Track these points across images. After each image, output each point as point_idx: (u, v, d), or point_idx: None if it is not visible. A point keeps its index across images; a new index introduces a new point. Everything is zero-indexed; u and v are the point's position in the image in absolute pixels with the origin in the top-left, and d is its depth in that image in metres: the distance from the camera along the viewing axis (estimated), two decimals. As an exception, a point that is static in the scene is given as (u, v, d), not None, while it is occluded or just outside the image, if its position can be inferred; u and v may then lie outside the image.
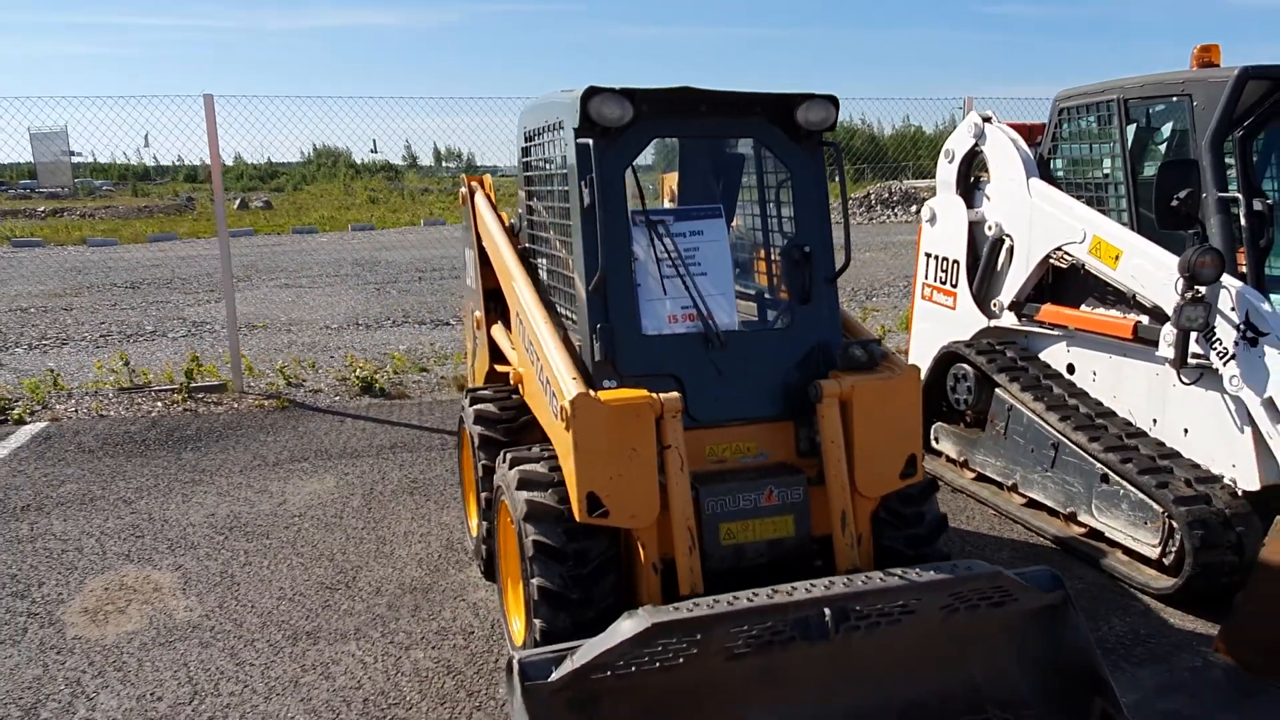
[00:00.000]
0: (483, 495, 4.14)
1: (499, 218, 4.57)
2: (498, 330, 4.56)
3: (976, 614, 3.04)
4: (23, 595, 4.43)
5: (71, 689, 3.62)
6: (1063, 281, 5.30)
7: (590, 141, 3.27)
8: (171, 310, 12.76)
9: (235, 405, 7.63)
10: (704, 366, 3.42)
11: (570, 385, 3.14)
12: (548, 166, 3.94)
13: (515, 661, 2.70)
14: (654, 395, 3.14)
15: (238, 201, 31.69)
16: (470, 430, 4.30)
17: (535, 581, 3.14)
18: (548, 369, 3.35)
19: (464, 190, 5.02)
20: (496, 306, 4.64)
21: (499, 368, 4.55)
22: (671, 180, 4.98)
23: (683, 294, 3.47)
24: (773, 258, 4.02)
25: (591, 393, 3.10)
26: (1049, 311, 5.24)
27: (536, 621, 3.15)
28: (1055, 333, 5.28)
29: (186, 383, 7.78)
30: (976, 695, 3.19)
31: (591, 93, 3.24)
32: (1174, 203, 4.21)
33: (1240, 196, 4.26)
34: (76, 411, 7.49)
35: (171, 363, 8.73)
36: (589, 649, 2.65)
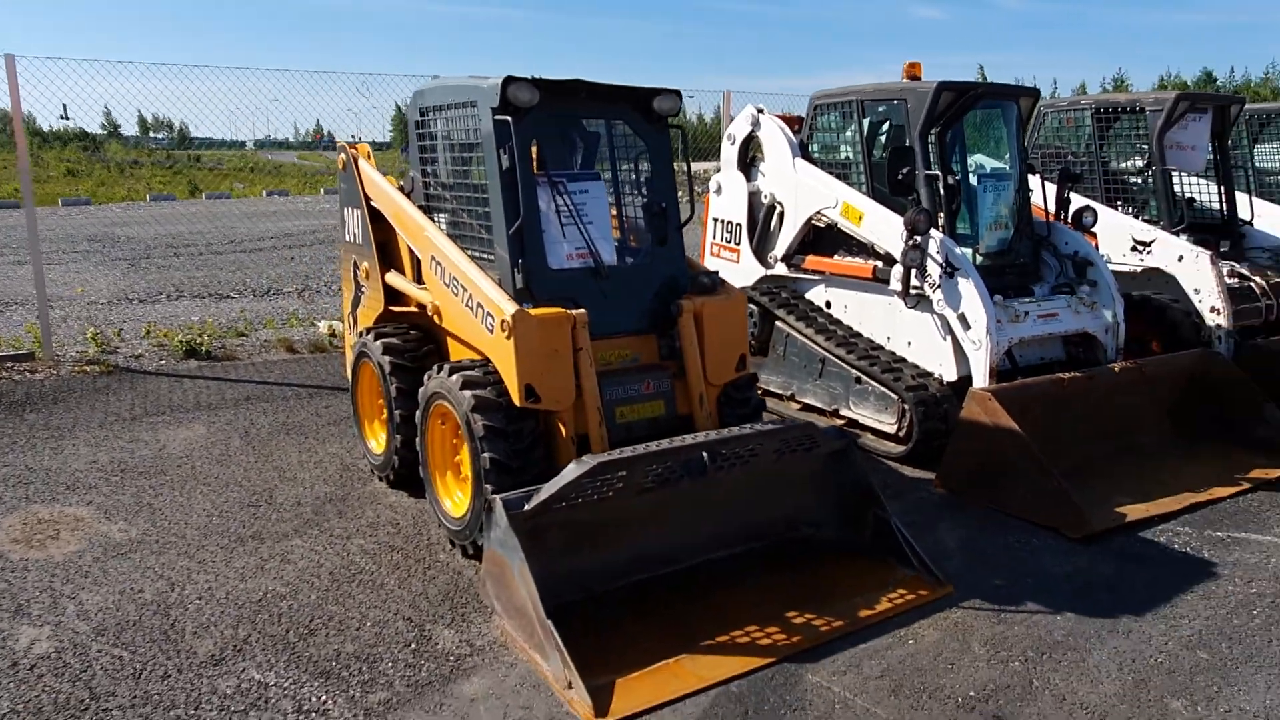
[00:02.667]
0: (397, 413, 4.97)
1: (389, 181, 5.35)
2: (393, 277, 5.34)
3: (794, 457, 4.40)
4: (-64, 536, 4.62)
5: (48, 593, 4.05)
6: (820, 238, 6.91)
7: (509, 119, 4.25)
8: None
9: (55, 372, 7.57)
10: (593, 292, 4.51)
11: (507, 305, 4.12)
12: (451, 138, 4.82)
13: (498, 500, 3.69)
14: (568, 311, 4.21)
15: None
16: (379, 360, 5.08)
17: (486, 455, 4.10)
18: (479, 295, 4.30)
19: (342, 157, 5.70)
20: (387, 257, 5.42)
21: (394, 309, 5.35)
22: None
23: (576, 238, 4.55)
24: (634, 213, 5.15)
25: (525, 309, 4.10)
26: (812, 261, 6.84)
27: (487, 486, 4.11)
28: (816, 277, 6.89)
29: (-10, 353, 7.59)
30: (792, 518, 4.59)
31: (510, 80, 4.22)
32: (899, 177, 5.87)
33: (939, 174, 6.02)
34: None
35: (-45, 336, 8.33)
36: (551, 485, 3.68)
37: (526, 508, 3.69)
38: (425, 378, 4.62)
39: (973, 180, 6.37)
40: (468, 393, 4.21)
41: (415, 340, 5.17)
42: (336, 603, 4.02)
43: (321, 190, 38.41)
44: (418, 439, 4.74)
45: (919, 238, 5.74)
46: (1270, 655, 3.70)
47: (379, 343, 5.13)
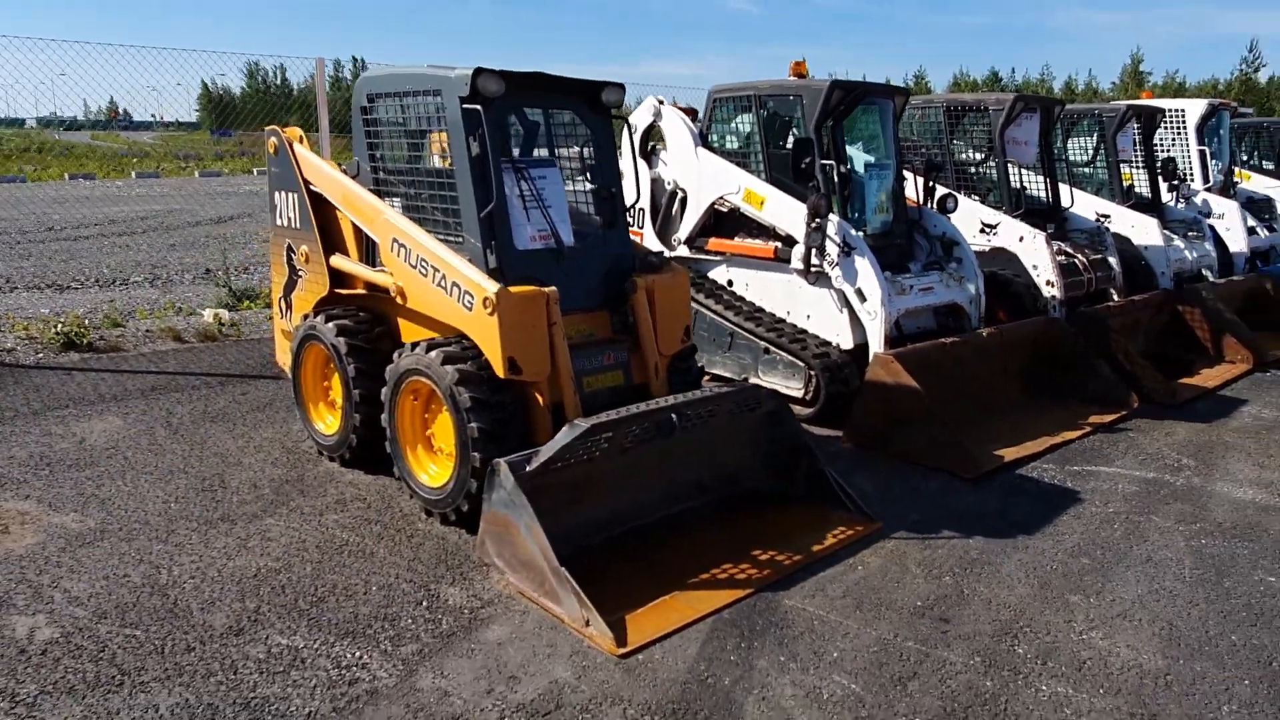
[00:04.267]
0: (356, 392, 5.11)
1: (334, 165, 5.43)
2: (339, 259, 5.43)
3: (739, 418, 4.92)
4: None
5: (26, 584, 3.98)
6: (721, 221, 7.48)
7: (479, 107, 4.51)
8: None
9: (-83, 369, 7.01)
10: (554, 272, 4.85)
11: (488, 283, 4.40)
12: (407, 125, 5.00)
13: (502, 463, 3.99)
14: (542, 288, 4.53)
15: None
16: (333, 343, 5.19)
17: (473, 425, 4.36)
18: (455, 275, 4.54)
19: (273, 140, 5.69)
20: (329, 240, 5.49)
21: (341, 291, 5.45)
22: (440, 138, 6.14)
23: (539, 220, 4.86)
24: (584, 196, 5.47)
25: (506, 287, 4.39)
26: (714, 243, 7.41)
27: (475, 454, 4.37)
28: (718, 258, 7.46)
29: None
30: (736, 473, 5.11)
31: (480, 72, 4.47)
32: (802, 166, 6.51)
33: (833, 163, 6.71)
34: None
35: None
36: (549, 447, 4.03)
37: (528, 469, 4.01)
38: (395, 356, 4.80)
39: (859, 170, 7.12)
40: (450, 367, 4.45)
41: (367, 322, 5.31)
42: (334, 572, 4.19)
43: (133, 174, 35.74)
44: (385, 416, 4.91)
45: (820, 220, 6.41)
46: (1134, 556, 4.58)
47: (331, 325, 5.23)
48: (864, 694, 3.40)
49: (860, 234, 6.66)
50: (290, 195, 5.63)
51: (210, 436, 5.90)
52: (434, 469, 4.79)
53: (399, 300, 4.97)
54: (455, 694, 3.33)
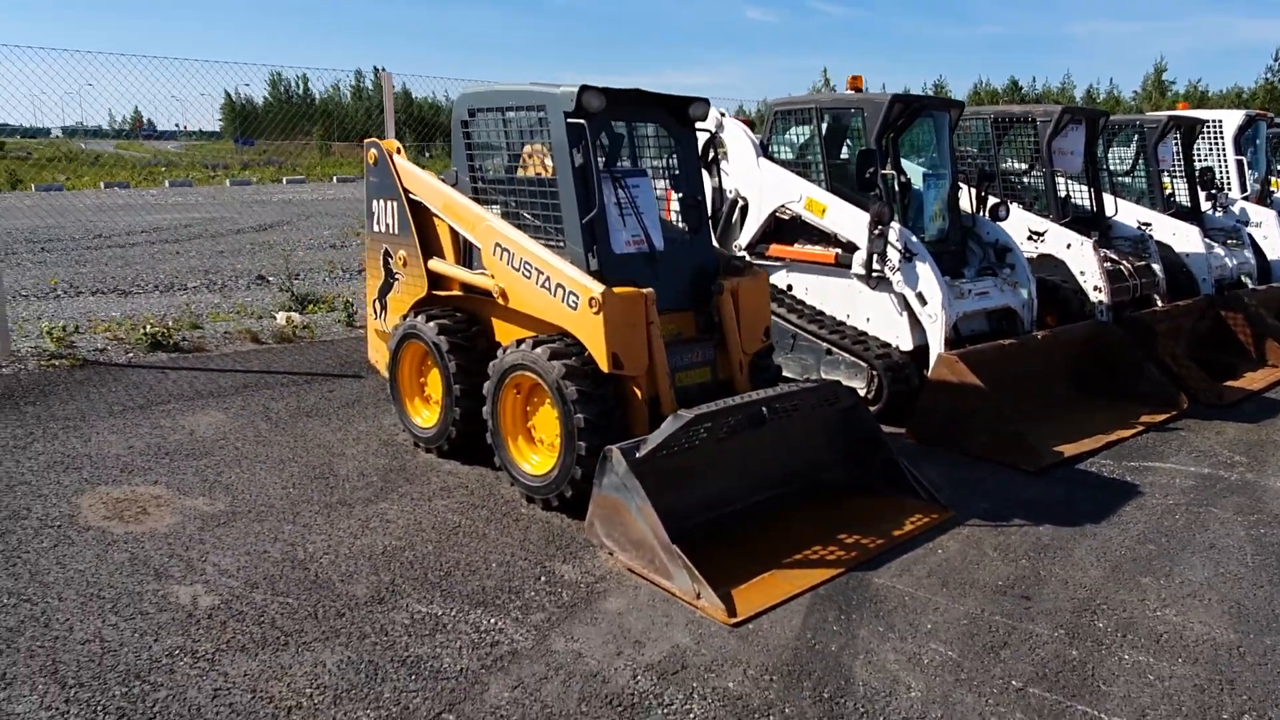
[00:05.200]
0: (457, 387, 5.46)
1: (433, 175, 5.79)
2: (438, 263, 5.78)
3: (819, 412, 5.23)
4: (20, 517, 4.74)
5: (178, 559, 4.34)
6: (780, 228, 7.80)
7: (583, 121, 4.86)
8: None
9: (22, 367, 7.42)
10: (646, 274, 5.18)
11: (594, 285, 4.74)
12: (509, 138, 5.35)
13: (615, 449, 4.32)
14: (640, 290, 4.86)
15: None
16: (434, 341, 5.54)
17: (580, 416, 4.70)
18: (560, 277, 4.88)
19: (373, 152, 6.07)
20: (426, 245, 5.85)
21: (439, 293, 5.81)
22: (538, 149, 6.48)
23: (633, 226, 5.20)
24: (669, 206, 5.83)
25: (610, 289, 4.73)
26: (775, 249, 7.73)
27: (581, 443, 4.71)
28: (778, 264, 7.78)
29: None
30: (816, 464, 5.42)
31: (585, 89, 4.82)
32: (866, 175, 6.82)
33: (894, 173, 7.03)
34: None
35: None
36: (657, 435, 4.35)
37: (638, 455, 4.34)
38: (499, 352, 5.15)
39: (917, 179, 7.43)
40: (558, 362, 4.79)
41: (464, 321, 5.66)
42: (455, 550, 4.53)
43: (166, 183, 36.42)
44: (487, 409, 5.25)
45: (882, 227, 6.72)
46: (1197, 544, 4.85)
47: (432, 324, 5.58)
48: (961, 660, 3.70)
49: (919, 240, 6.96)
50: (389, 203, 6.00)
51: (309, 429, 6.26)
52: (536, 459, 5.13)
53: (500, 301, 5.31)
54: (588, 655, 3.65)
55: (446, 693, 3.39)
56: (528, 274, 5.08)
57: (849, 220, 7.08)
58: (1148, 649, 3.82)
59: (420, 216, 5.84)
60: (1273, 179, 12.58)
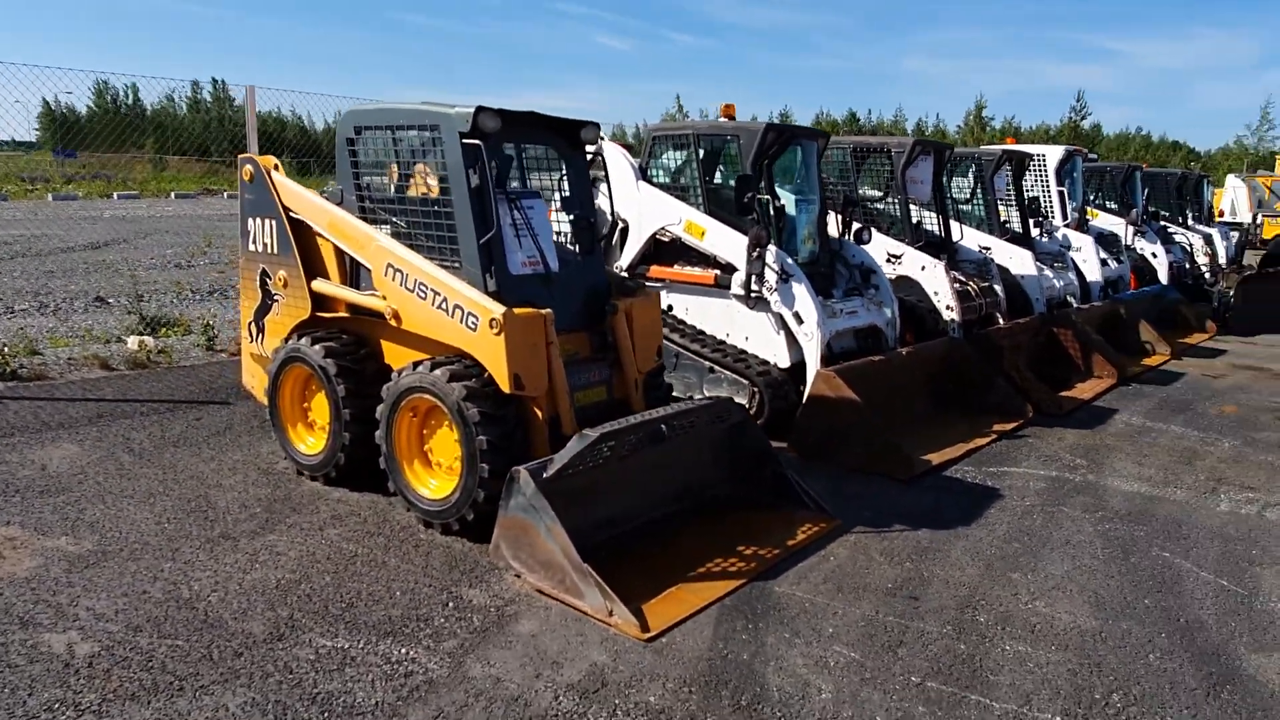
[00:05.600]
0: (346, 411, 5.29)
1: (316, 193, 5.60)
2: (323, 284, 5.59)
3: (713, 427, 5.40)
4: None
5: (46, 605, 3.99)
6: (661, 250, 7.98)
7: (480, 142, 4.85)
8: None
9: None
10: (542, 295, 5.20)
11: (495, 306, 4.72)
12: (400, 157, 5.26)
13: (522, 470, 4.31)
14: (540, 310, 4.88)
15: None
16: (321, 364, 5.34)
17: (481, 438, 4.65)
18: (458, 298, 4.83)
19: (249, 169, 5.81)
20: (309, 265, 5.65)
21: (324, 315, 5.62)
22: (391, 168, 6.37)
23: (529, 247, 5.21)
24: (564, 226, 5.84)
25: (511, 310, 4.72)
26: (656, 270, 7.90)
27: (483, 465, 4.66)
28: (659, 284, 7.94)
29: None
30: (707, 479, 5.57)
31: (481, 110, 4.82)
32: (745, 200, 7.10)
33: (770, 198, 7.34)
34: None
35: None
36: (563, 455, 4.37)
37: (546, 475, 4.34)
38: (395, 374, 5.03)
39: (789, 204, 7.78)
40: (458, 384, 4.73)
41: (352, 343, 5.49)
42: (354, 580, 4.37)
43: (-32, 198, 33.22)
44: (380, 433, 5.11)
45: (761, 250, 7.01)
46: (1055, 540, 5.31)
47: (318, 347, 5.39)
48: (864, 660, 3.90)
49: (794, 262, 7.30)
50: (268, 221, 5.76)
51: (178, 460, 5.89)
52: (434, 483, 5.03)
53: (392, 322, 5.19)
54: (507, 679, 3.62)
55: (364, 727, 3.28)
56: (423, 295, 5.00)
57: (727, 243, 7.33)
58: (1025, 639, 4.14)
59: (302, 235, 5.64)
60: (1088, 208, 13.91)
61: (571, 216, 5.70)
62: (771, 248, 7.10)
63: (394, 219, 5.38)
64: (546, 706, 3.46)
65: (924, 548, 5.11)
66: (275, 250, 5.73)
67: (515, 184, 5.78)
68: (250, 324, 6.07)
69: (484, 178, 4.88)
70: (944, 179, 9.98)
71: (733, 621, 4.17)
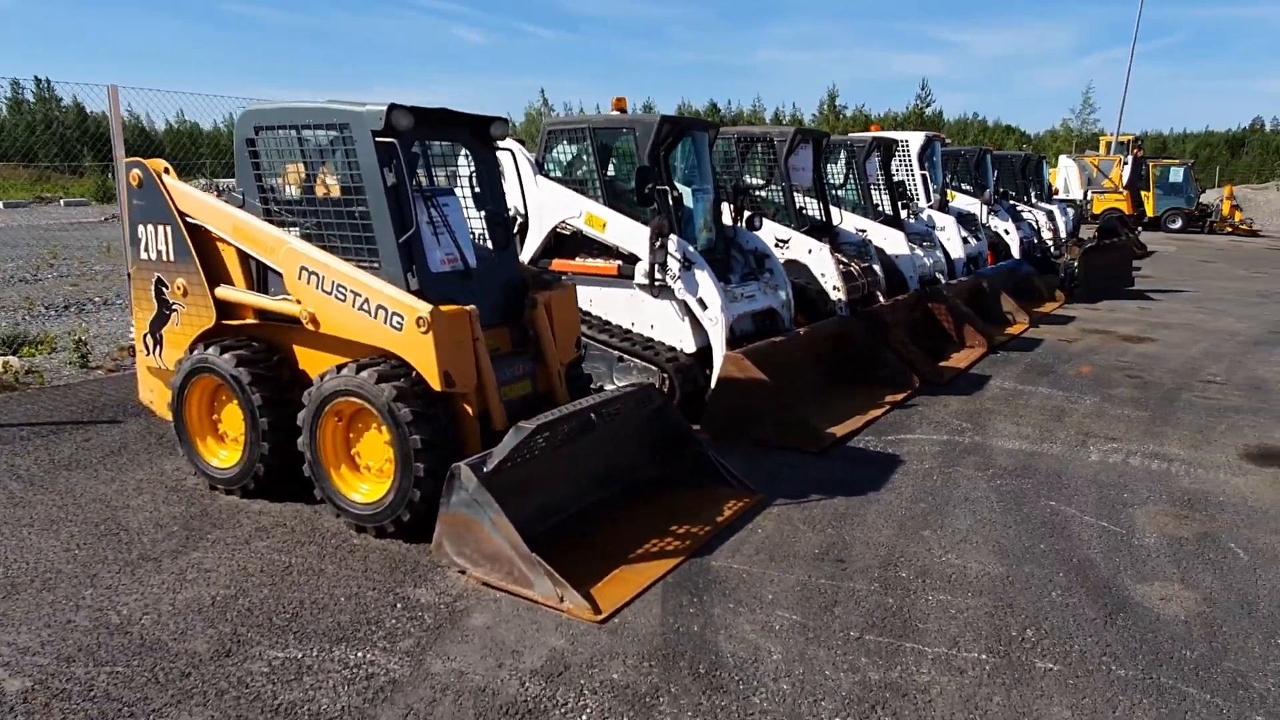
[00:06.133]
0: (264, 421, 5.14)
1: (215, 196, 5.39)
2: (228, 290, 5.39)
3: (639, 412, 5.54)
4: None
5: (-42, 644, 3.74)
6: (561, 244, 8.05)
7: (395, 140, 4.81)
8: None
9: None
10: (462, 292, 5.21)
11: (420, 304, 4.70)
12: (306, 156, 5.14)
13: (463, 466, 4.33)
14: (464, 307, 4.89)
15: None
16: (233, 374, 5.17)
17: (415, 438, 4.63)
18: (381, 298, 4.78)
19: (136, 173, 5.53)
20: (210, 272, 5.44)
21: (229, 322, 5.43)
22: (295, 169, 6.24)
23: (447, 244, 5.20)
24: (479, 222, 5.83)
25: (438, 308, 4.72)
26: (558, 264, 7.95)
27: (419, 465, 4.64)
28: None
29: None
30: (633, 463, 5.71)
31: (394, 107, 4.78)
32: (646, 191, 7.25)
33: (668, 188, 7.53)
34: None
35: None
36: (501, 449, 4.43)
37: (487, 470, 4.38)
38: (317, 379, 4.93)
39: (686, 194, 7.99)
40: (387, 385, 4.69)
41: (263, 350, 5.34)
42: (294, 590, 4.29)
43: None
44: (303, 440, 5.00)
45: (663, 239, 7.19)
46: (956, 498, 5.73)
47: (228, 356, 5.21)
48: (805, 621, 4.14)
49: (694, 250, 7.52)
50: (160, 228, 5.50)
51: (75, 484, 5.56)
52: (366, 487, 4.96)
53: (309, 326, 5.08)
54: (470, 672, 3.66)
55: (335, 732, 3.26)
56: (342, 297, 4.92)
57: (629, 233, 7.48)
58: (944, 589, 4.49)
59: (200, 241, 5.42)
60: (949, 190, 14.82)
61: (484, 212, 5.71)
62: (673, 237, 7.29)
63: (301, 220, 5.26)
64: (514, 693, 3.52)
65: (841, 514, 5.42)
66: (171, 257, 5.49)
67: (424, 181, 5.74)
68: (145, 336, 5.78)
69: (400, 176, 4.85)
70: (821, 165, 10.44)
71: (679, 597, 4.33)
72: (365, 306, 4.86)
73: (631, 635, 3.98)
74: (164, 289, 5.60)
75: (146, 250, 5.61)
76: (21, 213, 33.41)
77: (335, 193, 5.28)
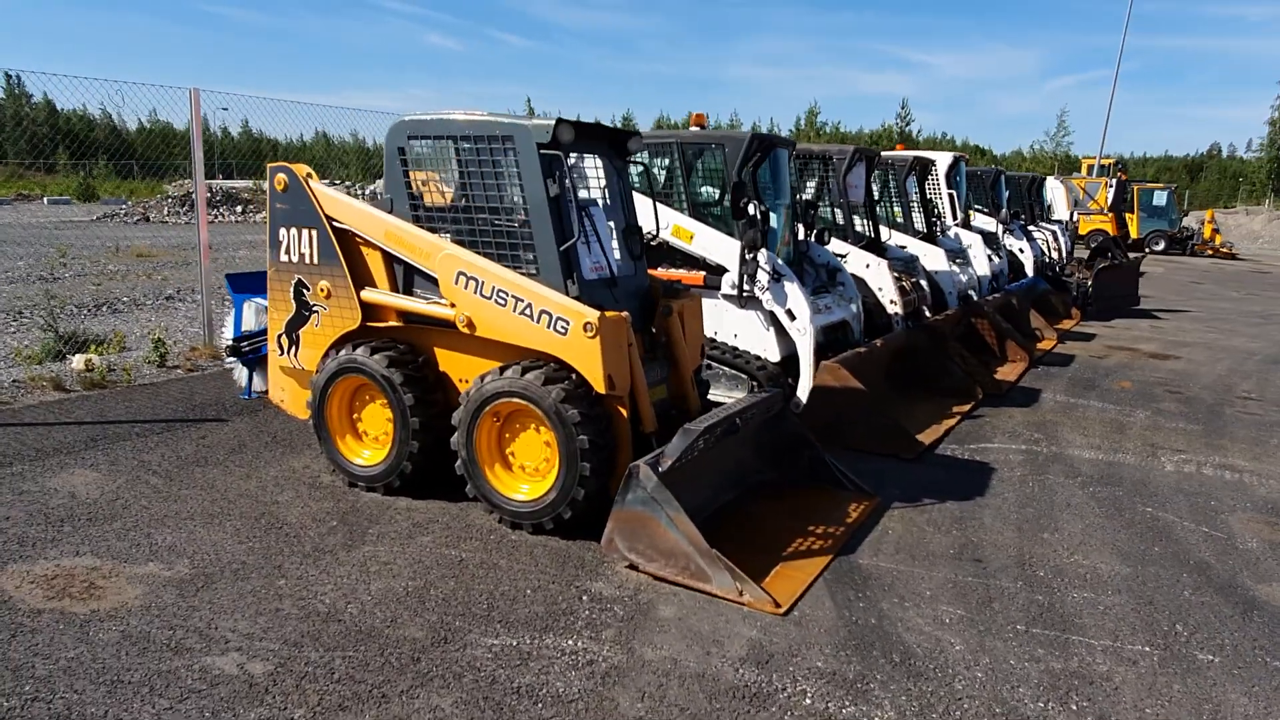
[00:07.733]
0: (415, 420, 5.30)
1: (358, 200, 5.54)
2: (374, 293, 5.53)
3: (764, 417, 5.77)
4: (-69, 612, 3.91)
5: (183, 630, 3.85)
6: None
7: (559, 153, 5.01)
8: None
9: None
10: (608, 299, 5.41)
11: (587, 310, 4.89)
12: (467, 167, 5.30)
13: (641, 464, 4.53)
14: (620, 313, 5.09)
15: None
16: (384, 374, 5.32)
17: (582, 438, 4.81)
18: (545, 304, 4.97)
19: (282, 177, 5.66)
20: (355, 275, 5.59)
21: (374, 324, 5.57)
22: (422, 175, 6.41)
23: (596, 253, 5.40)
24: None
25: (603, 313, 4.91)
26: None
27: (584, 464, 4.82)
28: (643, 287, 8.22)
29: None
30: (755, 464, 5.93)
31: (560, 122, 4.98)
32: (740, 205, 7.50)
33: (758, 201, 7.78)
34: None
35: None
36: (673, 449, 4.63)
37: (662, 469, 4.57)
38: (478, 380, 5.09)
39: (770, 208, 8.24)
40: (554, 387, 4.87)
41: (409, 352, 5.49)
42: (479, 583, 4.44)
43: None
44: (457, 438, 5.15)
45: (754, 252, 7.44)
46: (1059, 504, 6.02)
47: (379, 356, 5.36)
48: (971, 616, 4.39)
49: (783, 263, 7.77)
50: (304, 231, 5.63)
51: (213, 480, 5.65)
52: (526, 487, 5.12)
53: (465, 330, 5.24)
54: (682, 659, 3.85)
55: (581, 712, 3.44)
56: (502, 302, 5.09)
57: (716, 245, 7.72)
58: (1084, 587, 4.76)
59: (346, 245, 5.56)
60: (971, 209, 15.26)
61: (620, 223, 5.91)
62: (763, 250, 7.54)
63: (454, 228, 5.41)
64: (733, 679, 3.72)
65: (958, 517, 5.69)
66: (315, 260, 5.62)
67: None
68: (280, 336, 5.89)
69: (563, 186, 5.04)
70: (873, 184, 10.77)
71: (844, 592, 4.56)
72: (528, 311, 5.04)
73: (816, 627, 4.19)
74: (304, 291, 5.72)
75: (287, 253, 5.74)
76: (6, 210, 32.87)
77: (447, 199, 5.47)
